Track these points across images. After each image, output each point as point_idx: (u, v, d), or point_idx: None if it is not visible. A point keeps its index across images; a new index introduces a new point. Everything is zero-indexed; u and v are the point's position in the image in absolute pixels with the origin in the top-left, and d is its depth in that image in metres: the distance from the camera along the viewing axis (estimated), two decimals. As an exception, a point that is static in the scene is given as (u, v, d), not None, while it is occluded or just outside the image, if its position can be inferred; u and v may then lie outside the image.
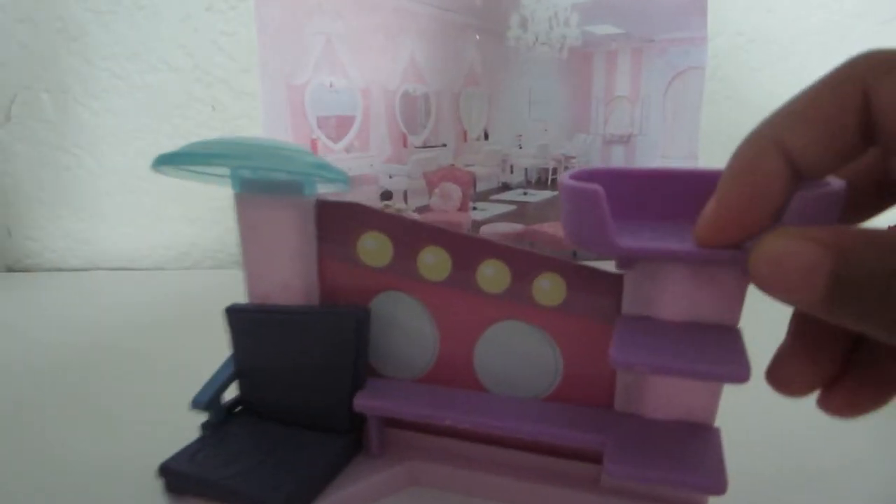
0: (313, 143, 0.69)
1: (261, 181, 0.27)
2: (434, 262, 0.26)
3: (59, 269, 0.74)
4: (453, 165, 0.74)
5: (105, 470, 0.28)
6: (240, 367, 0.28)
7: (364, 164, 0.71)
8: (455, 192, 0.74)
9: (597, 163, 0.75)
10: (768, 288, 0.16)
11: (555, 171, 0.75)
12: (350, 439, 0.27)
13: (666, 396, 0.24)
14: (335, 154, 0.70)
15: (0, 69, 0.68)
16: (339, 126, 0.70)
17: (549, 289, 0.25)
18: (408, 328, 0.27)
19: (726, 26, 0.73)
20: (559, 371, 0.26)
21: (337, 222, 0.27)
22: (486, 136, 0.74)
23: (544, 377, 0.26)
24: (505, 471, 0.26)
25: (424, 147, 0.73)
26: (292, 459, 0.25)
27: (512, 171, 0.74)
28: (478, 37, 0.70)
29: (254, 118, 0.70)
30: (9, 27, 0.67)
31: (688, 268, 0.22)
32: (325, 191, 0.28)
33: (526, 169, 0.74)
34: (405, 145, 0.73)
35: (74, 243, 0.73)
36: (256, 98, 0.68)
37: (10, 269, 0.73)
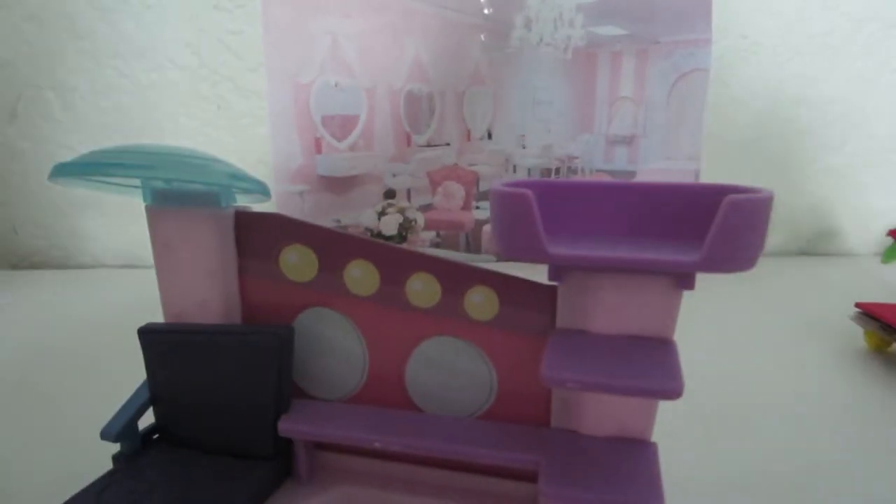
0: (318, 141, 0.69)
1: (175, 192, 0.25)
2: (361, 276, 0.25)
3: (66, 267, 0.74)
4: (457, 165, 0.74)
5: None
6: (155, 392, 0.26)
7: (368, 162, 0.72)
8: (458, 191, 0.73)
9: (600, 163, 0.75)
10: None
11: (558, 171, 0.75)
12: (276, 465, 0.25)
13: (602, 412, 0.23)
14: (340, 152, 0.70)
15: (6, 68, 0.68)
16: (343, 125, 0.70)
17: (481, 303, 0.24)
18: (335, 346, 0.26)
19: (731, 29, 0.74)
20: (494, 388, 0.25)
21: (257, 235, 0.25)
22: (490, 136, 0.74)
23: (478, 395, 0.25)
24: (440, 492, 0.25)
25: (428, 146, 0.73)
26: (213, 491, 0.24)
27: (515, 171, 0.75)
28: (483, 37, 0.70)
29: (259, 117, 0.70)
30: (15, 26, 0.66)
31: (619, 278, 0.21)
32: (245, 202, 0.26)
33: (529, 169, 0.75)
34: (409, 144, 0.73)
35: (81, 241, 0.73)
36: (262, 97, 0.68)
37: (15, 267, 0.74)
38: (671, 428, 0.31)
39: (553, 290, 0.23)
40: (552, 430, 0.24)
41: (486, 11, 0.68)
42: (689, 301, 0.64)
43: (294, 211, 0.71)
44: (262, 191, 0.24)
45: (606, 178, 0.71)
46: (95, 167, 0.23)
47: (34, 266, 0.73)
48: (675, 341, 0.21)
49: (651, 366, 0.20)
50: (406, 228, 0.69)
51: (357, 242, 0.24)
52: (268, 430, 0.25)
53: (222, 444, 0.26)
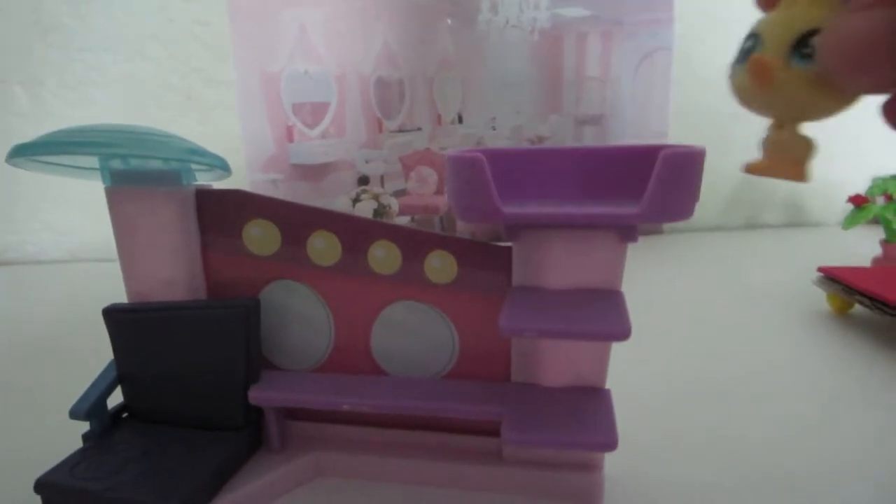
0: (289, 129, 0.69)
1: (134, 172, 0.25)
2: (324, 246, 0.25)
3: (40, 262, 0.73)
4: (429, 149, 0.75)
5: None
6: (123, 371, 0.26)
7: (340, 149, 0.72)
8: (431, 175, 0.74)
9: (570, 143, 0.77)
10: (844, 70, 0.15)
11: None
12: (247, 435, 0.26)
13: (558, 363, 0.24)
14: (311, 140, 0.70)
15: None
16: (314, 112, 0.70)
17: (440, 266, 0.25)
18: (301, 316, 0.26)
19: (691, 7, 0.75)
20: (456, 348, 0.26)
21: (219, 211, 0.26)
22: (461, 120, 0.75)
23: (441, 355, 0.26)
24: (410, 452, 0.26)
25: (400, 131, 0.74)
26: (185, 462, 0.24)
27: None
28: (449, 21, 0.71)
29: (230, 107, 0.70)
30: None
31: (568, 235, 0.22)
32: (206, 179, 0.26)
33: None
34: (381, 130, 0.73)
35: (55, 235, 0.73)
36: (232, 86, 0.68)
37: None
38: (640, 392, 0.33)
39: (508, 250, 0.24)
40: (513, 383, 0.25)
41: None
42: (657, 271, 0.65)
43: None
44: (223, 166, 0.25)
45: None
46: (53, 146, 0.23)
47: (8, 262, 0.73)
48: (622, 291, 0.23)
49: (601, 313, 0.21)
50: (381, 214, 0.70)
51: (319, 214, 0.25)
52: (238, 401, 0.25)
53: (193, 418, 0.26)
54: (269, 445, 0.27)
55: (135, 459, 0.24)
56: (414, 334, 0.26)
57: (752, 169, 0.18)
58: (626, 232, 0.22)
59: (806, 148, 0.17)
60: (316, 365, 0.27)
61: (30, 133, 0.67)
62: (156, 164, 0.25)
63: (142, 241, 0.26)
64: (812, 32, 0.15)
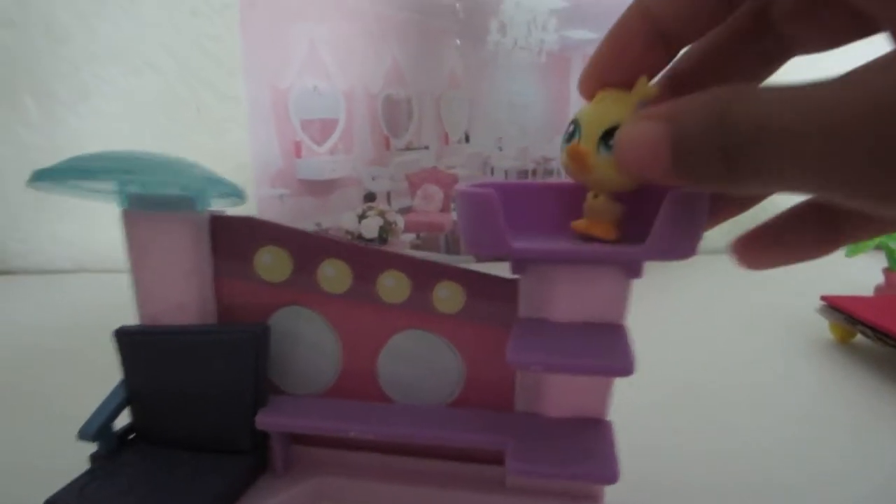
0: (297, 145, 0.70)
1: (150, 197, 0.26)
2: (334, 274, 0.26)
3: (46, 272, 0.73)
4: (435, 167, 0.75)
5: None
6: (132, 392, 0.26)
7: (347, 166, 0.72)
8: (437, 193, 0.74)
9: None
10: (631, 168, 0.17)
11: (534, 172, 0.77)
12: (253, 459, 0.26)
13: (561, 395, 0.25)
14: (319, 156, 0.71)
15: None
16: (322, 129, 0.71)
17: (448, 297, 0.25)
18: (309, 343, 0.27)
19: None
20: (461, 377, 0.26)
21: (232, 237, 0.26)
22: (468, 139, 0.76)
23: (447, 384, 0.26)
24: (413, 479, 0.27)
25: (407, 149, 0.74)
26: (191, 485, 0.24)
27: (493, 173, 0.76)
28: (458, 41, 0.71)
29: (239, 121, 0.70)
30: None
31: (574, 269, 0.23)
32: (220, 205, 0.27)
33: (506, 171, 0.76)
34: (388, 148, 0.74)
35: (61, 245, 0.73)
36: (241, 101, 0.69)
37: None
38: (637, 416, 0.32)
39: (514, 283, 0.24)
40: (517, 413, 0.25)
41: (460, 16, 0.69)
42: (658, 294, 0.64)
43: (274, 214, 0.71)
44: (238, 194, 0.25)
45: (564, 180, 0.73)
46: (75, 172, 0.24)
47: (14, 271, 0.73)
48: (626, 325, 0.23)
49: (606, 347, 0.22)
50: (386, 231, 0.70)
51: (330, 242, 0.26)
52: (245, 425, 0.26)
53: (200, 441, 0.26)
54: (273, 469, 0.27)
55: (142, 481, 0.24)
56: (420, 363, 0.26)
57: (575, 226, 0.22)
58: (631, 268, 0.23)
59: (614, 212, 0.21)
60: (322, 390, 0.27)
61: (38, 143, 0.69)
62: (173, 190, 0.26)
63: (155, 264, 0.26)
64: (615, 128, 0.18)
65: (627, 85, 0.19)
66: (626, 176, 0.19)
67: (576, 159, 0.20)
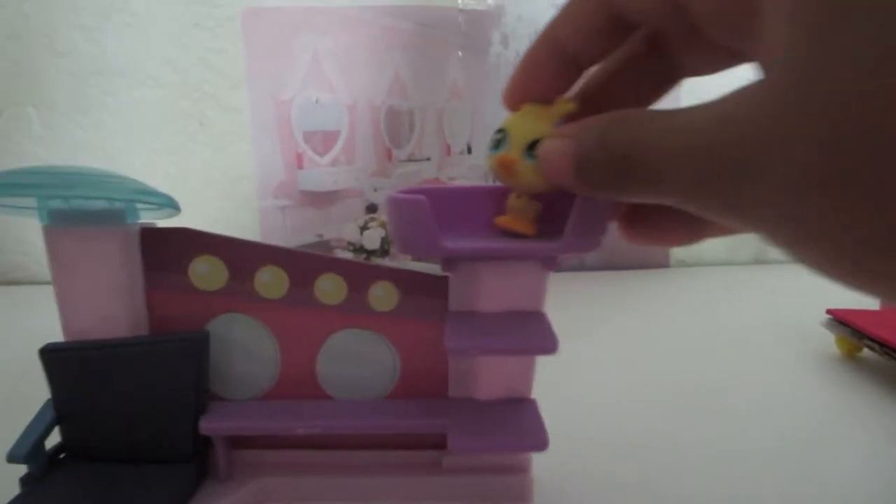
0: (299, 156, 0.70)
1: (75, 211, 0.25)
2: (270, 280, 0.27)
3: (48, 283, 0.66)
4: (437, 179, 0.75)
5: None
6: (63, 410, 0.26)
7: (350, 177, 0.72)
8: None
9: None
10: (548, 177, 0.21)
11: None
12: (194, 467, 0.26)
13: (491, 379, 0.27)
14: (321, 167, 0.70)
15: None
16: (325, 140, 0.70)
17: (382, 296, 0.27)
18: (247, 348, 0.28)
19: None
20: (398, 370, 0.28)
21: (164, 249, 0.27)
22: (469, 150, 0.76)
23: (384, 377, 0.28)
24: (354, 471, 0.28)
25: (409, 161, 0.74)
26: (134, 499, 0.24)
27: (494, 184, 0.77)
28: (461, 53, 0.72)
29: (241, 133, 0.70)
30: None
31: (498, 265, 0.26)
32: (154, 217, 0.27)
33: None
34: (390, 159, 0.74)
35: None
36: (244, 113, 0.69)
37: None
38: (640, 425, 0.35)
39: (444, 279, 0.27)
40: (452, 399, 0.28)
41: (463, 28, 0.70)
42: (661, 305, 0.63)
43: (276, 226, 0.71)
44: (171, 205, 0.26)
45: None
46: (-3, 188, 0.23)
47: (15, 282, 0.72)
48: (545, 312, 0.27)
49: (532, 331, 0.24)
50: (388, 242, 0.70)
51: (265, 249, 0.27)
52: (188, 432, 0.26)
53: (138, 453, 0.26)
54: (216, 475, 0.27)
55: (81, 499, 0.24)
56: (358, 359, 0.28)
57: (499, 223, 0.24)
58: (548, 262, 0.26)
59: (533, 210, 0.24)
60: (262, 394, 0.28)
61: (41, 154, 0.68)
62: (99, 204, 0.25)
63: (82, 279, 0.26)
64: (538, 140, 0.22)
65: (546, 100, 0.22)
66: (546, 182, 0.22)
67: (505, 167, 0.22)
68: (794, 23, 0.13)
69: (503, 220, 0.24)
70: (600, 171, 0.18)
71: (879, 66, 0.11)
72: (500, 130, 0.23)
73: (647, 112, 0.17)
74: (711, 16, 0.18)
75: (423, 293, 0.27)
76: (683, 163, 0.15)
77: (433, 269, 0.27)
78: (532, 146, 0.22)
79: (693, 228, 0.24)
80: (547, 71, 0.22)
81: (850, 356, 0.45)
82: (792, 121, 0.13)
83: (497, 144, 0.23)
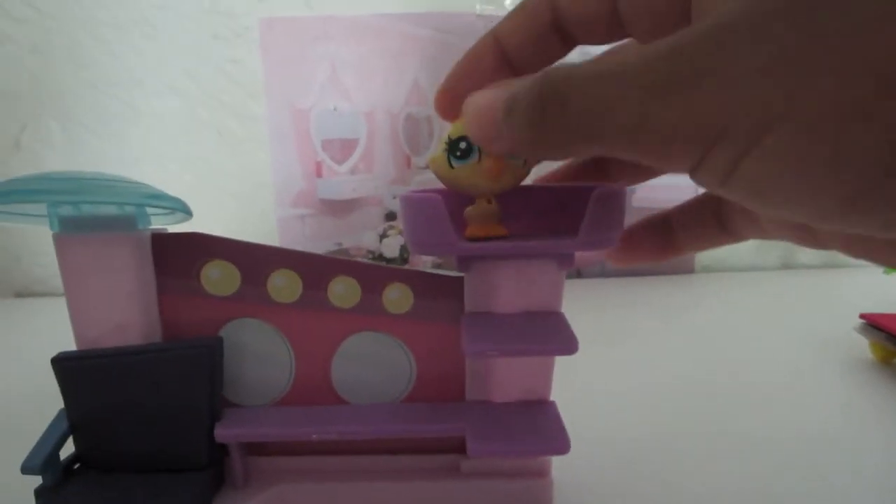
0: (318, 165, 0.70)
1: (85, 218, 0.25)
2: (284, 284, 0.27)
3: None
4: None
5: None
6: (76, 420, 0.26)
7: (368, 185, 0.72)
8: None
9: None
10: (474, 132, 0.20)
11: None
12: (210, 474, 0.26)
13: (508, 381, 0.27)
14: (340, 176, 0.71)
15: (12, 99, 0.68)
16: (343, 148, 0.71)
17: (397, 298, 0.27)
18: (261, 353, 0.27)
19: None
20: (413, 373, 0.28)
21: (176, 254, 0.26)
22: None
23: (400, 381, 0.28)
24: (372, 477, 0.28)
25: (428, 168, 0.74)
26: (150, 507, 0.24)
27: None
28: None
29: (260, 142, 0.71)
30: (21, 59, 0.67)
31: (514, 264, 0.25)
32: (166, 222, 0.27)
33: None
34: (409, 166, 0.74)
35: None
36: (262, 122, 0.70)
37: (18, 295, 0.74)
38: (668, 429, 0.34)
39: (459, 280, 0.26)
40: (469, 402, 0.27)
41: (481, 34, 0.71)
42: (688, 312, 0.61)
43: (295, 234, 0.71)
44: (183, 209, 0.25)
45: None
46: (6, 196, 0.23)
47: (37, 294, 0.73)
48: (562, 312, 0.26)
49: (550, 331, 0.24)
50: (408, 250, 0.70)
51: (278, 252, 0.26)
52: (203, 440, 0.26)
53: (153, 462, 0.26)
54: (232, 482, 0.27)
55: (97, 509, 0.24)
56: (373, 363, 0.27)
57: (470, 235, 0.23)
58: (564, 260, 0.25)
59: (496, 213, 0.23)
60: (276, 399, 0.28)
61: (62, 166, 0.69)
62: (110, 210, 0.25)
63: (93, 286, 0.25)
64: (461, 138, 0.22)
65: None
66: (483, 176, 0.22)
67: (432, 168, 0.23)
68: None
69: (475, 231, 0.23)
70: (532, 112, 0.17)
71: None
72: (445, 140, 0.23)
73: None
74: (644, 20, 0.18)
75: (439, 294, 0.27)
76: (626, 83, 0.14)
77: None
78: (454, 145, 0.22)
79: (671, 241, 0.24)
80: (483, 68, 0.22)
81: (886, 362, 0.44)
82: (752, 20, 0.13)
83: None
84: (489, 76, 0.22)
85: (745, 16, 0.13)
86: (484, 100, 0.19)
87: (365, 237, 0.72)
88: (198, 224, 0.26)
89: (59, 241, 0.25)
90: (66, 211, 0.25)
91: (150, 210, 0.26)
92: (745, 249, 0.80)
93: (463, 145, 0.22)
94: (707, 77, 0.13)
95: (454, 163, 0.22)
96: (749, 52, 0.13)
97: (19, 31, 0.66)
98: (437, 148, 0.23)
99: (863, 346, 0.46)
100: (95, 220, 0.25)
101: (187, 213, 0.26)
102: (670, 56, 0.14)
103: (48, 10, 0.66)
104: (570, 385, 0.28)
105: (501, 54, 0.22)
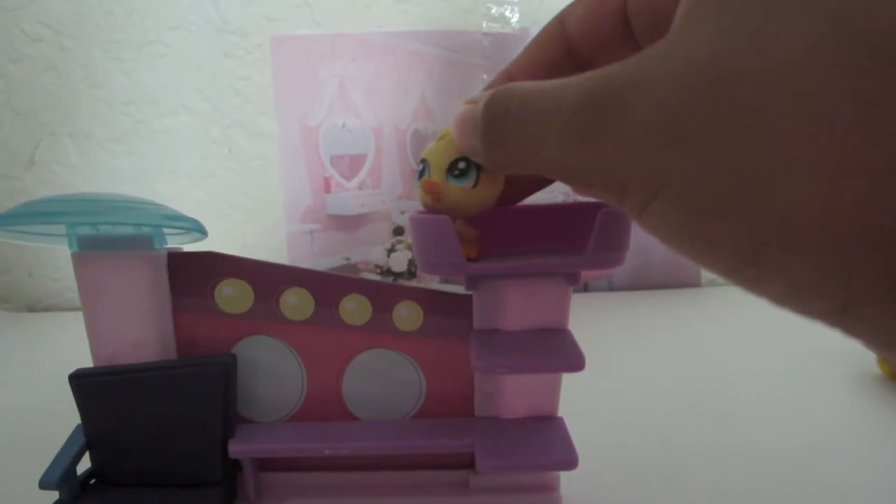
0: (327, 181, 0.71)
1: (103, 237, 0.26)
2: (296, 302, 0.27)
3: (79, 309, 0.71)
4: None
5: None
6: (92, 436, 0.26)
7: (376, 200, 0.73)
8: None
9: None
10: (460, 143, 0.21)
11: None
12: (223, 490, 0.27)
13: (517, 398, 0.27)
14: (348, 191, 0.72)
15: (28, 117, 0.70)
16: (352, 164, 0.72)
17: (407, 315, 0.27)
18: (273, 370, 0.28)
19: None
20: (423, 390, 0.28)
21: (191, 273, 0.27)
22: None
23: (410, 397, 0.28)
24: (382, 492, 0.28)
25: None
26: (164, 522, 0.24)
27: None
28: (485, 76, 0.73)
29: (269, 159, 0.72)
30: (37, 77, 0.69)
31: (521, 283, 0.26)
32: (181, 242, 0.27)
33: None
34: None
35: None
36: (272, 139, 0.71)
37: (30, 309, 0.74)
38: (682, 451, 0.33)
39: (468, 298, 0.27)
40: (478, 418, 0.27)
41: (487, 51, 0.71)
42: (694, 326, 0.61)
43: (304, 249, 0.72)
44: (198, 229, 0.26)
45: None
46: (21, 218, 0.23)
47: (49, 308, 0.74)
48: (569, 329, 0.26)
49: (558, 348, 0.24)
50: (415, 265, 0.71)
51: (290, 271, 0.27)
52: (216, 455, 0.26)
53: (167, 477, 0.26)
54: (244, 498, 0.27)
55: (112, 524, 0.24)
56: (383, 379, 0.28)
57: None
58: (572, 278, 0.26)
59: (472, 234, 0.24)
60: (288, 416, 0.28)
61: (77, 184, 0.71)
62: (127, 230, 0.26)
63: (111, 304, 0.26)
64: (459, 159, 0.22)
65: None
66: (473, 196, 0.22)
67: (429, 191, 0.23)
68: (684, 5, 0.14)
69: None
70: (488, 127, 0.18)
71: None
72: (422, 161, 0.24)
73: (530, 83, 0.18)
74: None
75: (448, 312, 0.27)
76: (548, 125, 0.16)
77: (458, 289, 0.27)
78: (452, 166, 0.22)
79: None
80: (546, 53, 0.22)
81: (894, 377, 0.43)
82: (657, 65, 0.14)
83: (421, 175, 0.23)
84: (551, 69, 0.22)
85: (646, 71, 0.14)
86: (463, 114, 0.20)
87: (373, 252, 0.73)
88: (209, 239, 0.27)
89: (77, 259, 0.26)
90: (85, 231, 0.26)
91: (166, 230, 0.26)
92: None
93: (462, 165, 0.23)
94: (613, 132, 0.14)
95: (453, 181, 0.23)
96: (644, 112, 0.14)
97: (36, 50, 0.68)
98: (418, 177, 0.23)
99: (870, 360, 0.46)
100: (113, 240, 0.26)
101: (202, 232, 0.26)
102: (585, 105, 0.15)
103: (64, 30, 0.68)
104: (577, 399, 0.28)
105: (567, 46, 0.21)
